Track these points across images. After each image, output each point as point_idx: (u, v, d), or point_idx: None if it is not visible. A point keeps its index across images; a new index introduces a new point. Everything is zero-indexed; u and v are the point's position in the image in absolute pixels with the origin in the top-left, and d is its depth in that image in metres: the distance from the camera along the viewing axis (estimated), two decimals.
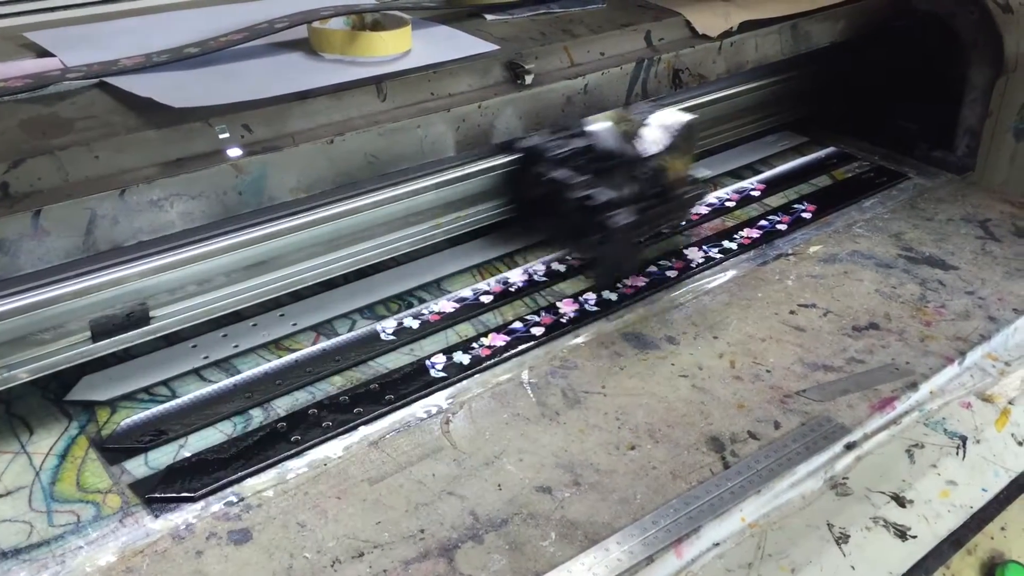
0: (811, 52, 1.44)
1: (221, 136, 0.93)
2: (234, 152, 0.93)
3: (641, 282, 1.16)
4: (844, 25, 1.46)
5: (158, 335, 0.98)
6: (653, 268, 1.19)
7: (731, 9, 1.35)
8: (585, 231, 1.13)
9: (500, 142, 1.14)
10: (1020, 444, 0.98)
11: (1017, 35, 1.45)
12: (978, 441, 0.96)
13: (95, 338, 0.93)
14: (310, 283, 1.08)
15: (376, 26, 1.15)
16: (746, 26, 1.33)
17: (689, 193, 1.20)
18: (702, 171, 1.28)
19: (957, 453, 0.94)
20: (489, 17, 1.26)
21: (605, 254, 1.14)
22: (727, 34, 1.31)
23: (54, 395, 0.94)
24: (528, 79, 1.13)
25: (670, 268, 1.19)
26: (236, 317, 1.06)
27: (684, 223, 1.28)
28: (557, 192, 1.13)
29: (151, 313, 0.96)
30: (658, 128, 1.16)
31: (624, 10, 1.31)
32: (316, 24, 1.10)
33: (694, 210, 1.30)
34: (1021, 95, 1.50)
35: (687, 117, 1.18)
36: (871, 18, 1.49)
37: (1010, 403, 1.01)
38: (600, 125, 1.18)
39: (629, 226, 1.11)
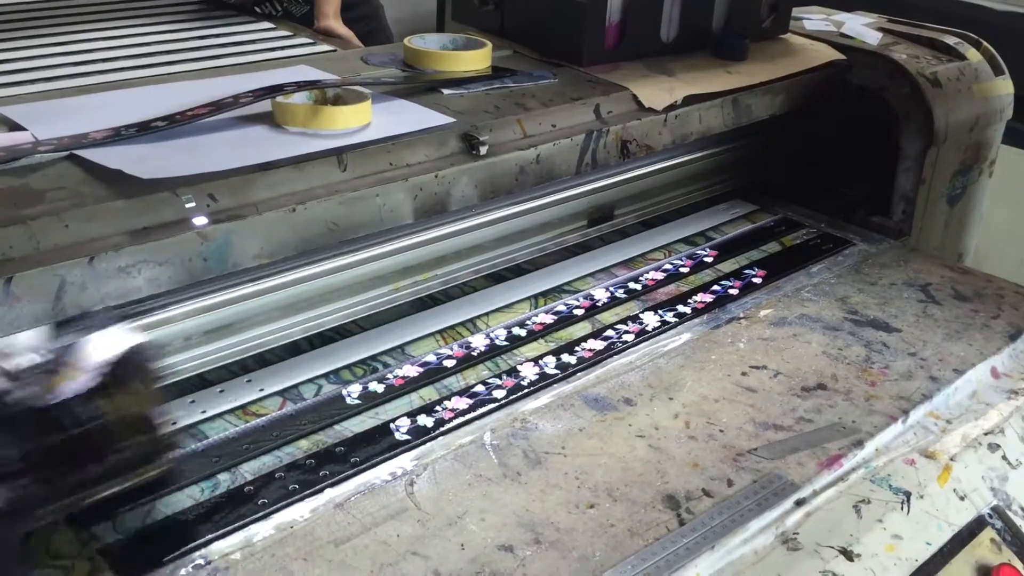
0: (753, 124, 1.50)
1: (187, 205, 0.96)
2: (200, 221, 0.95)
3: (599, 345, 1.19)
4: (783, 98, 1.52)
5: None
6: (610, 332, 1.23)
7: (675, 84, 1.40)
8: None
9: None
10: (962, 499, 1.02)
11: (946, 108, 1.52)
12: (922, 496, 1.00)
13: None
14: (274, 346, 1.10)
15: (337, 100, 1.19)
16: (690, 100, 1.39)
17: (143, 445, 0.87)
18: (167, 413, 0.96)
19: (902, 508, 0.98)
20: (446, 91, 1.30)
21: None
22: (672, 107, 1.37)
23: None
24: (483, 150, 1.16)
25: (627, 332, 1.23)
26: (203, 383, 1.08)
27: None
28: None
29: None
30: (83, 360, 0.84)
31: (574, 85, 1.36)
32: (280, 99, 1.14)
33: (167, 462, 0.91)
34: (952, 164, 1.57)
35: (133, 340, 0.87)
36: (809, 91, 1.56)
37: (952, 459, 1.05)
38: None
39: (2, 512, 0.78)
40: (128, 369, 0.86)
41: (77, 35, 1.71)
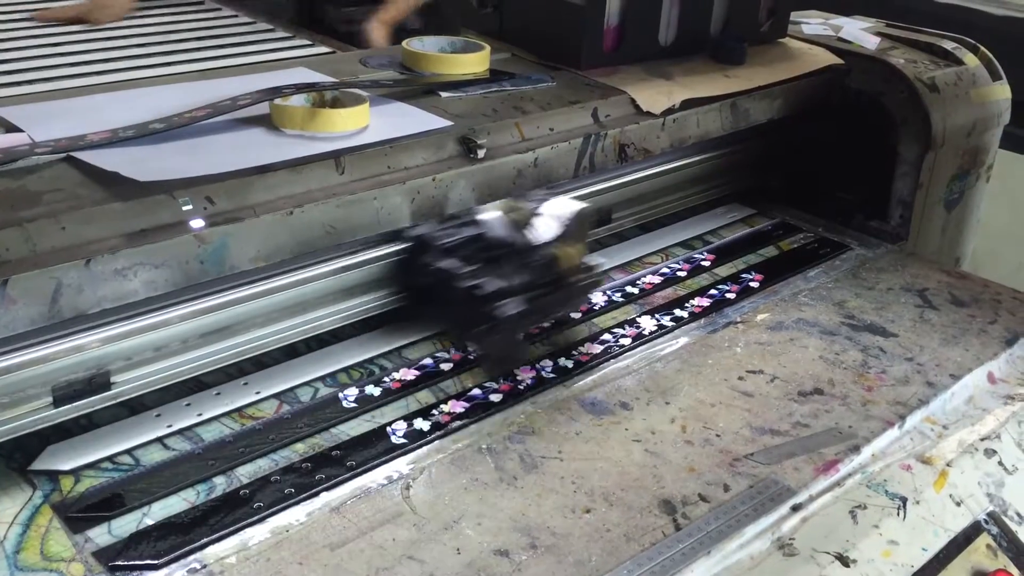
0: (751, 128, 1.50)
1: (184, 208, 0.96)
2: (197, 223, 0.95)
3: (596, 349, 1.19)
4: (781, 103, 1.52)
5: (119, 400, 0.99)
6: (607, 336, 1.22)
7: (673, 88, 1.40)
8: (473, 321, 1.11)
9: (389, 231, 1.13)
10: (958, 505, 1.02)
11: (943, 113, 1.52)
12: (918, 502, 1.00)
13: (56, 403, 0.94)
14: (269, 349, 1.10)
15: (335, 103, 1.19)
16: (688, 104, 1.39)
17: (582, 281, 1.18)
18: (597, 260, 1.25)
19: (898, 514, 0.98)
20: (444, 95, 1.30)
21: (493, 344, 1.13)
22: (670, 111, 1.37)
23: (18, 464, 0.94)
24: (480, 153, 1.17)
25: (624, 336, 1.23)
26: (200, 386, 1.08)
27: (576, 313, 1.27)
28: (445, 282, 1.12)
29: (112, 379, 0.98)
30: (550, 217, 1.16)
31: (572, 88, 1.36)
32: (278, 101, 1.14)
33: (590, 297, 1.28)
34: (950, 169, 1.57)
35: (578, 206, 1.18)
36: (807, 96, 1.56)
37: (948, 465, 1.05)
38: (490, 214, 1.16)
39: (518, 316, 1.10)
40: (575, 225, 1.16)
41: (75, 35, 1.71)
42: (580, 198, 1.37)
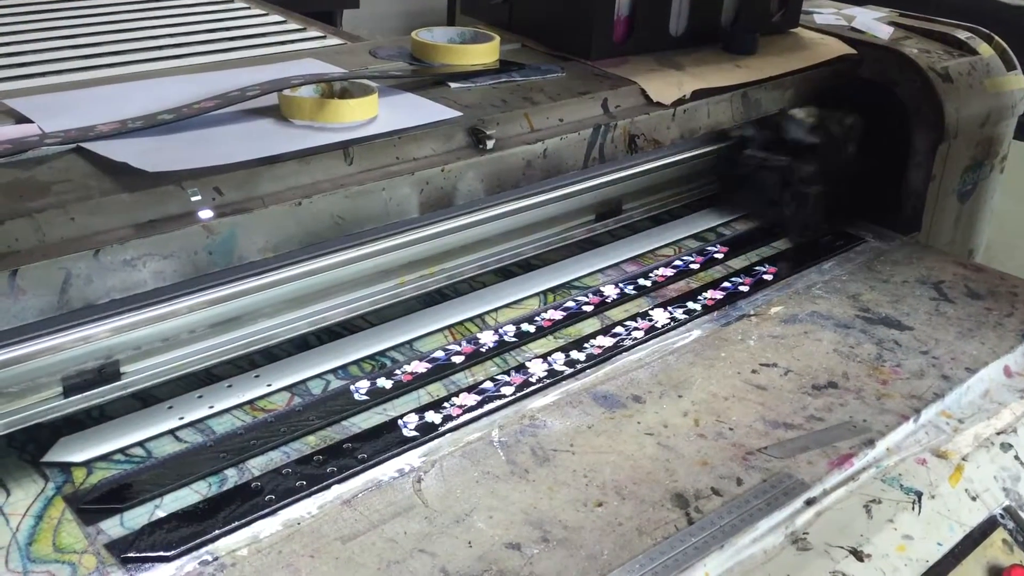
0: (762, 119, 1.49)
1: (193, 199, 0.95)
2: (205, 214, 0.95)
3: (608, 342, 1.19)
4: (793, 93, 1.51)
5: (129, 391, 0.99)
6: (620, 329, 1.22)
7: (684, 78, 1.39)
8: (782, 200, 1.48)
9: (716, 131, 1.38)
10: (974, 499, 1.01)
11: (957, 103, 1.50)
12: (933, 496, 0.99)
13: (67, 393, 0.94)
14: (278, 340, 1.10)
15: (344, 94, 1.18)
16: (698, 94, 1.38)
17: (860, 172, 1.49)
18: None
19: (913, 508, 0.97)
20: (453, 85, 1.29)
21: (798, 215, 1.46)
22: (680, 102, 1.36)
23: (31, 456, 0.94)
24: (489, 144, 1.16)
25: (636, 329, 1.22)
26: (211, 378, 1.07)
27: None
28: (762, 169, 1.50)
29: (122, 369, 0.98)
30: (834, 123, 1.48)
31: (582, 79, 1.35)
32: (286, 92, 1.13)
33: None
34: (963, 160, 1.55)
35: (854, 115, 1.50)
36: (819, 86, 1.55)
37: (963, 459, 1.04)
38: (796, 114, 1.52)
39: (818, 194, 1.46)
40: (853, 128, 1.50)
41: (86, 27, 1.70)
42: (589, 189, 1.38)
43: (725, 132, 1.45)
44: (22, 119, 1.08)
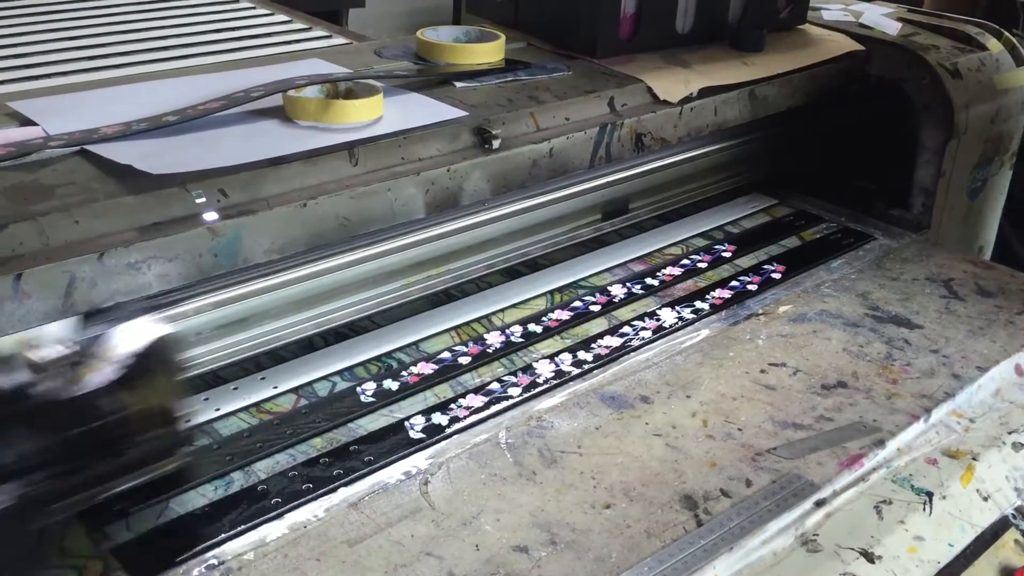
0: (771, 116, 1.48)
1: (197, 201, 0.95)
2: (210, 216, 0.95)
3: (616, 342, 1.18)
4: (801, 91, 1.50)
5: None
6: (627, 329, 1.21)
7: (691, 76, 1.39)
8: None
9: None
10: (985, 500, 1.00)
11: (966, 99, 1.49)
12: (944, 497, 0.98)
13: None
14: (284, 343, 1.09)
15: (349, 94, 1.18)
16: (705, 92, 1.37)
17: (160, 438, 0.87)
18: (189, 405, 0.94)
19: (924, 509, 0.96)
20: (458, 84, 1.29)
21: None
22: (687, 100, 1.35)
23: None
24: (495, 144, 1.15)
25: (644, 328, 1.21)
26: (217, 380, 1.07)
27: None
28: None
29: None
30: (107, 353, 0.85)
31: (588, 77, 1.35)
32: (291, 93, 1.13)
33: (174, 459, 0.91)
34: (973, 156, 1.54)
35: (158, 332, 0.88)
36: (827, 83, 1.54)
37: (975, 459, 1.03)
38: None
39: (14, 509, 0.78)
40: (151, 361, 0.86)
41: (91, 28, 1.70)
42: (596, 188, 1.36)
43: None
44: (26, 121, 1.08)
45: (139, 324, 0.87)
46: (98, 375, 0.83)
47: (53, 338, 0.85)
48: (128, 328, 0.87)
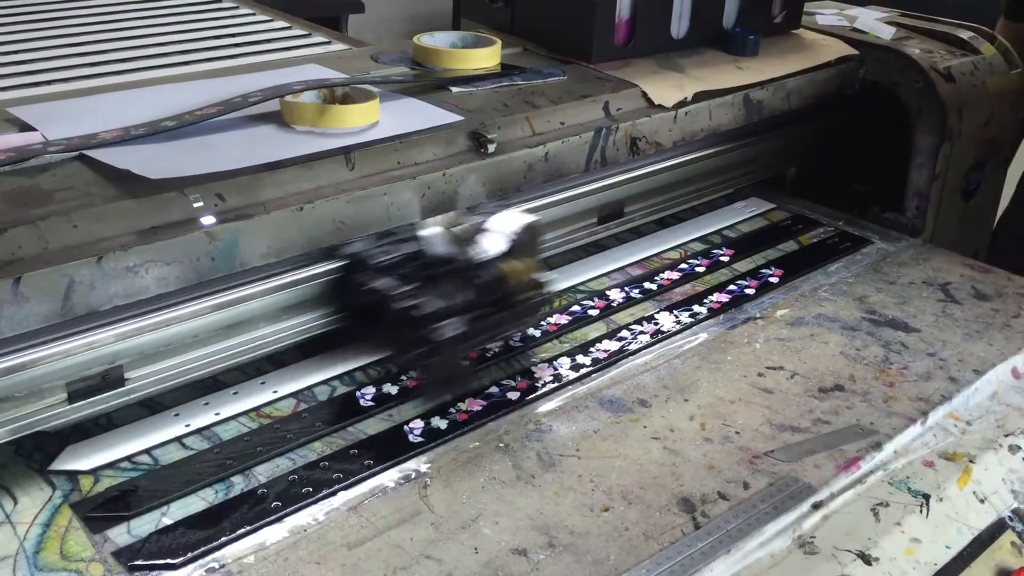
0: (765, 120, 1.49)
1: (195, 205, 0.96)
2: (207, 220, 0.95)
3: (614, 346, 1.18)
4: (795, 95, 1.51)
5: (133, 396, 0.99)
6: (625, 333, 1.21)
7: (685, 80, 1.39)
8: (411, 344, 1.04)
9: (327, 247, 1.06)
10: (982, 502, 1.01)
11: (959, 103, 1.50)
12: (941, 499, 0.98)
13: (71, 399, 0.94)
14: (281, 346, 1.09)
15: (346, 99, 1.18)
16: (700, 96, 1.38)
17: (532, 299, 1.11)
18: (549, 276, 1.15)
19: (921, 511, 0.97)
20: (454, 89, 1.29)
21: (433, 369, 1.06)
22: (682, 104, 1.36)
23: (38, 465, 0.94)
24: (491, 148, 1.16)
25: (642, 332, 1.22)
26: (217, 385, 1.07)
27: (525, 334, 1.20)
28: (380, 302, 1.04)
29: (125, 375, 0.98)
30: (496, 231, 1.10)
31: (583, 82, 1.36)
32: (288, 98, 1.13)
33: (539, 316, 1.21)
34: (967, 160, 1.55)
35: (528, 219, 1.12)
36: (821, 88, 1.55)
37: (971, 461, 1.03)
38: (431, 230, 1.10)
39: (458, 338, 1.03)
40: (525, 239, 1.11)
41: (90, 35, 1.71)
42: (591, 192, 1.37)
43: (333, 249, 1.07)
44: (25, 127, 1.09)
45: (513, 213, 1.13)
46: (494, 247, 1.08)
47: (471, 213, 1.14)
48: (506, 215, 1.12)
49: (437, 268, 1.06)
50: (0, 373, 0.87)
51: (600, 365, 1.15)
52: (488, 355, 1.16)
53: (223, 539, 0.86)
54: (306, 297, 1.08)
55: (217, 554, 0.84)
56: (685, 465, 0.98)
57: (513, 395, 1.08)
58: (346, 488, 0.93)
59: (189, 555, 0.84)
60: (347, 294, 1.08)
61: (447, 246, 1.08)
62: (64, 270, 0.86)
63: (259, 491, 0.92)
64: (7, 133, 1.07)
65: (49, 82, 1.42)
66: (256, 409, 1.05)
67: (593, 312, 1.26)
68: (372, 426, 1.03)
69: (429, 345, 1.03)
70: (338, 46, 1.73)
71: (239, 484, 0.94)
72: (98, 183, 0.96)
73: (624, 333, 1.22)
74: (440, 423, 1.03)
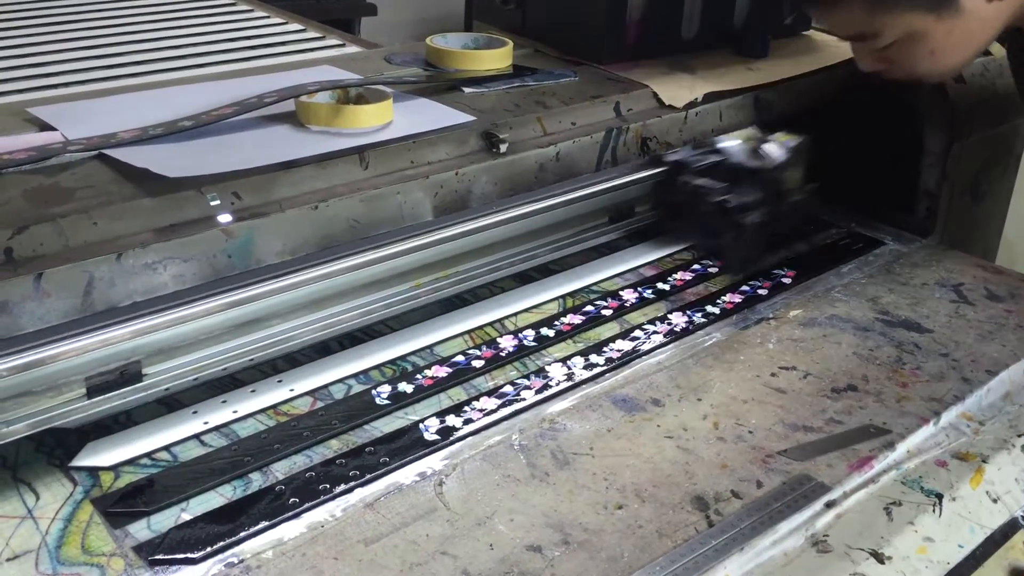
0: (775, 120, 1.49)
1: (212, 203, 0.97)
2: (224, 218, 0.96)
3: (627, 346, 1.19)
4: (805, 95, 1.51)
5: (151, 392, 1.00)
6: (639, 333, 1.22)
7: (696, 81, 1.40)
8: (720, 230, 1.35)
9: (653, 155, 1.34)
10: (995, 501, 1.01)
11: (969, 104, 1.50)
12: (954, 499, 0.99)
13: (90, 394, 0.95)
14: (296, 344, 1.10)
15: (360, 100, 1.19)
16: (710, 97, 1.39)
17: (804, 200, 1.40)
18: (811, 185, 1.40)
19: (933, 510, 0.97)
20: (467, 90, 1.30)
21: (739, 249, 1.36)
22: (692, 104, 1.37)
23: (60, 461, 0.95)
24: (503, 148, 1.17)
25: (655, 332, 1.22)
26: (235, 383, 1.08)
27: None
28: (698, 197, 1.36)
29: (144, 371, 0.99)
30: (777, 146, 1.37)
31: (594, 83, 1.36)
32: (303, 98, 1.14)
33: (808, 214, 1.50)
34: (977, 161, 1.55)
35: (800, 138, 1.38)
36: (830, 88, 1.55)
37: (984, 461, 1.04)
38: (732, 142, 1.38)
39: (758, 225, 1.34)
40: (797, 154, 1.37)
41: (109, 37, 1.72)
42: (600, 192, 1.37)
43: (659, 157, 1.37)
44: (46, 127, 1.10)
45: (787, 134, 1.39)
46: (778, 158, 1.36)
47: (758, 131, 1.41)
48: (784, 133, 1.39)
49: (738, 172, 1.35)
50: (22, 368, 0.89)
51: (613, 365, 1.15)
52: (503, 355, 1.16)
53: (242, 534, 0.86)
54: (322, 294, 1.09)
55: (236, 549, 0.85)
56: (698, 464, 0.98)
57: (527, 394, 1.09)
58: (362, 485, 0.94)
59: (208, 550, 0.84)
60: (668, 193, 1.41)
61: (744, 156, 1.36)
62: (84, 267, 0.87)
63: (277, 487, 0.93)
64: (28, 133, 1.08)
65: (69, 83, 1.43)
66: (273, 407, 1.05)
67: (606, 312, 1.27)
68: (388, 424, 1.03)
69: (737, 230, 1.34)
70: (352, 48, 1.74)
71: (257, 481, 0.94)
72: (117, 182, 0.97)
73: (637, 333, 1.22)
74: (455, 421, 1.04)
